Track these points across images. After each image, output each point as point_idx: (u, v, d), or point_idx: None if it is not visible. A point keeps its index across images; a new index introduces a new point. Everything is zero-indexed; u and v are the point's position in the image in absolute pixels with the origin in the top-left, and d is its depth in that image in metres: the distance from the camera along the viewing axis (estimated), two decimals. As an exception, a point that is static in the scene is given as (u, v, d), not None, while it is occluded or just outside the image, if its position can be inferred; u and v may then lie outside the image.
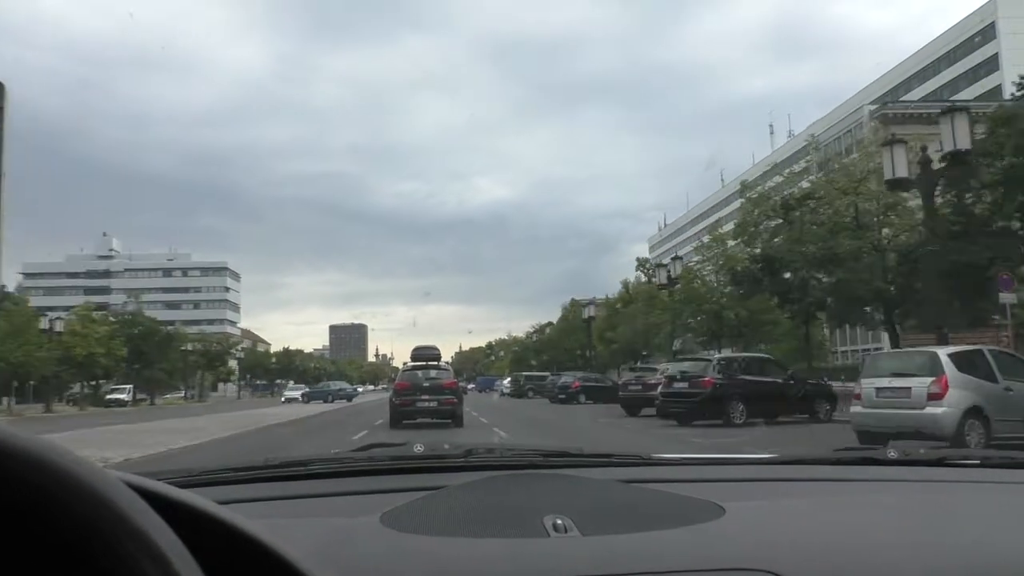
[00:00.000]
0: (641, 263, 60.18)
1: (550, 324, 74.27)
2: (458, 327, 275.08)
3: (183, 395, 70.20)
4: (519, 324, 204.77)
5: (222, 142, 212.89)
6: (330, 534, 0.96)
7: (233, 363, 72.15)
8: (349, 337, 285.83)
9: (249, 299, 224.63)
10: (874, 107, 55.05)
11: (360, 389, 63.31)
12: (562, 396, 33.09)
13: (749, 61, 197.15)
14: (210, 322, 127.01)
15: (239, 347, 72.16)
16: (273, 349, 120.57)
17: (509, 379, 58.22)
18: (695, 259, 41.83)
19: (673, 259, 34.67)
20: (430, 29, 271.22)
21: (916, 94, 72.86)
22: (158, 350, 54.66)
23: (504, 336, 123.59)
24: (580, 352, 54.16)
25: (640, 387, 23.02)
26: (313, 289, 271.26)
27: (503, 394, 53.15)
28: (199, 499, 0.52)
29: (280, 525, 0.90)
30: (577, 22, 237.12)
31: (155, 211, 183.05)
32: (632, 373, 27.43)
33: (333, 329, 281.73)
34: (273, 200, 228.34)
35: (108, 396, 52.40)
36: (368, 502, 1.12)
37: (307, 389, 53.34)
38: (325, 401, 47.73)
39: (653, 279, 51.48)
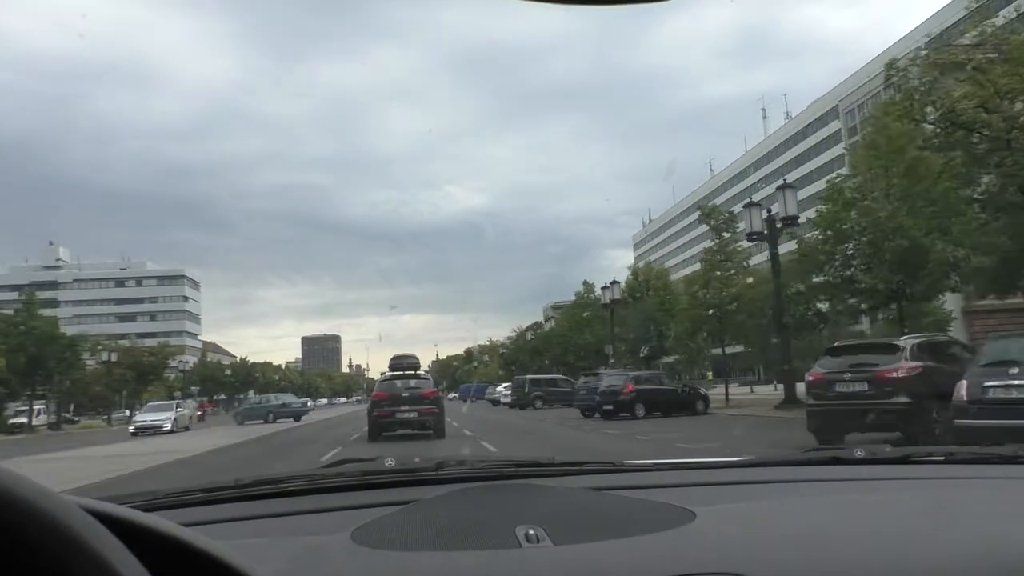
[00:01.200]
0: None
1: (538, 325, 66.50)
2: (433, 337, 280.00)
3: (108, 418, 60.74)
4: (494, 332, 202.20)
5: (190, 156, 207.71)
6: (301, 552, 0.94)
7: (174, 376, 62.25)
8: (322, 348, 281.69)
9: (222, 314, 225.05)
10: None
11: (311, 404, 49.47)
12: (608, 407, 23.07)
13: (716, 66, 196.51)
14: (167, 334, 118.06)
15: (179, 358, 62.25)
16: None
17: (504, 386, 48.59)
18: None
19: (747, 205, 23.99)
20: (398, 39, 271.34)
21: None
22: (60, 361, 44.20)
23: (484, 342, 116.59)
24: (597, 349, 46.08)
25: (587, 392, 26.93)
26: (287, 302, 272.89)
27: (497, 404, 44.54)
28: (163, 522, 0.51)
29: (249, 545, 0.90)
30: (545, 30, 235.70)
31: (120, 227, 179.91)
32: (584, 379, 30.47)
33: (306, 341, 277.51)
34: (244, 213, 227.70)
35: (11, 420, 43.07)
36: (339, 519, 1.11)
37: (176, 409, 33.84)
38: (266, 421, 35.79)
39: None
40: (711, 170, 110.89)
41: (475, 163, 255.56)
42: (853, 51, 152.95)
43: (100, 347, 51.83)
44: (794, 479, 1.42)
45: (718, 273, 29.70)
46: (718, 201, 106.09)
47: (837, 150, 66.94)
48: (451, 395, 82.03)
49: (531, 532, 0.96)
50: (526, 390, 37.90)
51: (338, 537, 0.98)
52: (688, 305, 31.04)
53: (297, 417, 37.32)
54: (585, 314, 51.56)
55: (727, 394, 29.81)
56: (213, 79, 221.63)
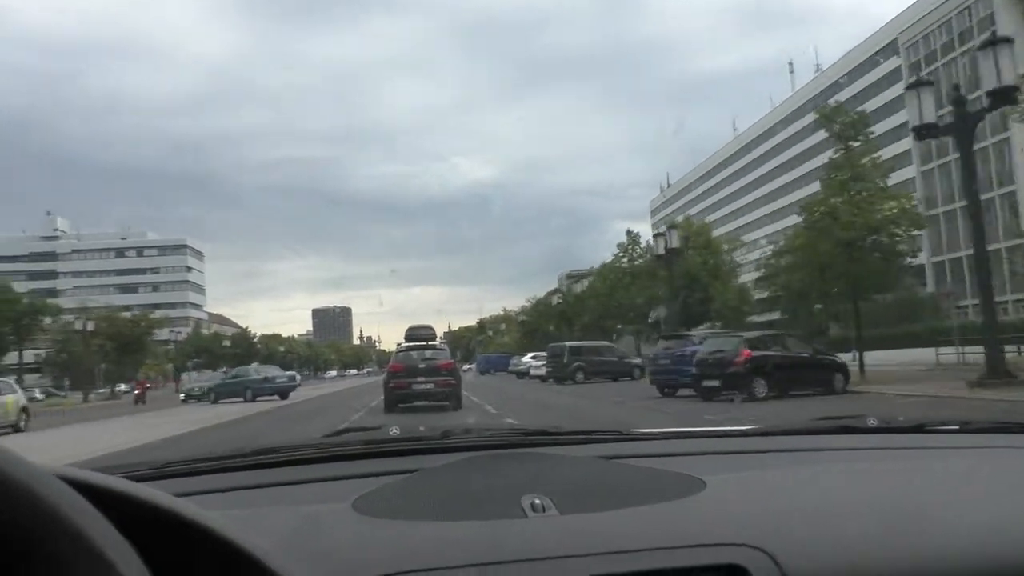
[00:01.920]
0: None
1: (558, 292, 61.35)
2: (443, 309, 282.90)
3: (108, 391, 55.46)
4: (503, 304, 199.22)
5: (197, 130, 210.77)
6: (300, 522, 0.93)
7: (164, 349, 57.54)
8: (333, 321, 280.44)
9: (232, 287, 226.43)
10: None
11: (299, 378, 40.41)
12: (711, 382, 16.40)
13: (724, 35, 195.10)
14: (171, 306, 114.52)
15: (173, 329, 57.11)
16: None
17: (532, 355, 41.74)
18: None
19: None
20: (403, 9, 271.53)
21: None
22: (18, 328, 38.67)
23: (498, 312, 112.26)
24: (643, 312, 40.70)
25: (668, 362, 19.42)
26: (297, 275, 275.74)
27: (524, 377, 39.27)
28: (153, 492, 0.50)
29: (247, 515, 0.89)
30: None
31: (128, 202, 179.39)
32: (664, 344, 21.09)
33: (316, 313, 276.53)
34: (252, 187, 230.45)
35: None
36: (340, 488, 1.09)
37: None
38: (246, 400, 28.65)
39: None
40: (735, 129, 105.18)
41: (482, 135, 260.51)
42: (862, 18, 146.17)
43: (74, 315, 46.36)
44: (805, 448, 1.42)
45: (848, 196, 21.34)
46: (747, 160, 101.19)
47: (896, 90, 61.43)
48: (466, 367, 77.84)
49: (537, 502, 0.94)
50: (564, 360, 30.43)
51: (339, 506, 0.96)
52: (804, 243, 22.67)
53: (283, 394, 29.63)
54: (631, 261, 45.42)
55: (861, 364, 21.60)
56: (218, 52, 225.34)
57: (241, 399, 28.87)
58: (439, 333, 25.25)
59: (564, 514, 0.92)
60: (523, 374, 40.89)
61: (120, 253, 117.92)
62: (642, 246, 47.48)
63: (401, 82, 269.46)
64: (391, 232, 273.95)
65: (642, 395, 18.99)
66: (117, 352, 48.50)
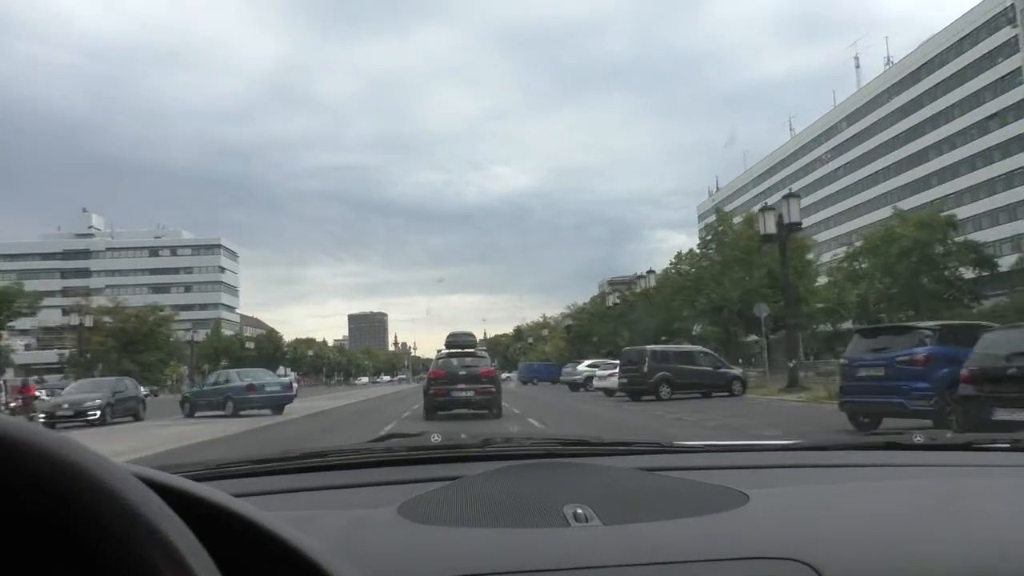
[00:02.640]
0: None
1: (616, 291, 55.53)
2: (479, 316, 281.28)
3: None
4: (540, 312, 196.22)
5: (240, 136, 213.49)
6: (348, 525, 0.95)
7: (187, 349, 53.13)
8: (369, 326, 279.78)
9: (272, 292, 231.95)
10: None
11: (296, 383, 31.24)
12: (994, 403, 8.67)
13: (767, 43, 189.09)
14: (203, 307, 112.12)
15: (170, 323, 52.11)
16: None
17: (589, 363, 35.68)
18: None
19: None
20: (444, 18, 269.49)
21: None
22: None
23: (537, 319, 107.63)
24: (741, 308, 35.51)
25: None
26: (335, 281, 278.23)
27: (578, 389, 33.66)
28: (214, 492, 0.52)
29: (297, 517, 0.90)
30: (593, 6, 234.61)
31: (171, 206, 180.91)
32: None
33: (352, 319, 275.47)
34: (293, 193, 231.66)
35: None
36: (385, 493, 1.12)
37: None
38: (226, 413, 21.57)
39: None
40: (791, 129, 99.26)
41: (521, 144, 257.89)
42: (914, 27, 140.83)
43: (67, 308, 42.10)
44: (850, 463, 1.39)
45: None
46: (806, 160, 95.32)
47: (1010, 64, 55.54)
48: (505, 375, 73.14)
49: (579, 511, 0.94)
50: (645, 368, 23.35)
51: (385, 511, 0.98)
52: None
53: (278, 407, 22.13)
54: (720, 247, 39.82)
55: None
56: (262, 60, 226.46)
57: (222, 412, 21.71)
58: (472, 333, 23.18)
59: (606, 524, 0.92)
60: (578, 385, 34.62)
61: (154, 252, 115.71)
62: (735, 228, 41.67)
63: (442, 90, 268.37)
64: (429, 240, 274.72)
65: (802, 424, 13.15)
66: (121, 351, 44.36)
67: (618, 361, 27.34)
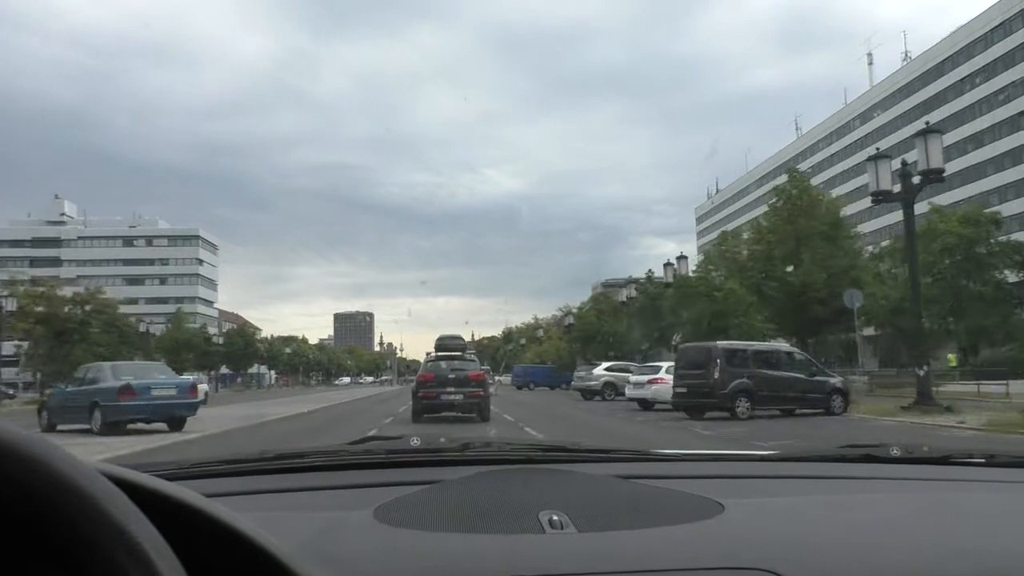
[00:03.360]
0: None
1: (633, 283, 49.67)
2: (465, 319, 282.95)
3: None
4: (527, 316, 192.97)
5: (230, 133, 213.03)
6: (322, 528, 0.94)
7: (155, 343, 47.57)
8: (355, 326, 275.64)
9: (259, 291, 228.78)
10: None
11: (205, 389, 27.12)
12: None
13: (759, 52, 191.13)
14: (179, 300, 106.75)
15: (115, 309, 45.98)
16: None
17: (607, 366, 29.36)
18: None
19: None
20: (438, 20, 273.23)
21: None
22: None
23: (525, 321, 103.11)
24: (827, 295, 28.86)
25: None
26: (323, 280, 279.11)
27: (592, 398, 27.82)
28: (186, 492, 0.51)
29: (271, 518, 0.90)
30: (586, 13, 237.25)
31: (160, 202, 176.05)
32: None
33: (338, 317, 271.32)
34: (283, 191, 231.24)
35: None
36: (362, 496, 1.11)
37: None
38: (93, 429, 14.87)
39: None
40: (798, 129, 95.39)
41: (513, 147, 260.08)
42: (910, 39, 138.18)
43: None
44: (826, 475, 1.40)
45: None
46: (814, 160, 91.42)
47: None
48: (498, 378, 68.60)
49: (555, 518, 0.94)
50: (716, 375, 16.89)
51: (361, 514, 0.97)
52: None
53: (175, 422, 15.74)
54: (791, 218, 31.84)
55: None
56: (254, 57, 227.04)
57: (87, 425, 15.17)
58: (462, 336, 22.29)
59: (582, 532, 0.92)
60: (594, 392, 27.98)
61: (128, 242, 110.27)
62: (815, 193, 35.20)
63: (433, 92, 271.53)
64: (418, 241, 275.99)
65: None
66: (51, 340, 38.98)
67: (662, 364, 21.70)
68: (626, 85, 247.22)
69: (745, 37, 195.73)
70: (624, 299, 38.85)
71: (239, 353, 63.39)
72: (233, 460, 1.38)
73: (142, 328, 45.67)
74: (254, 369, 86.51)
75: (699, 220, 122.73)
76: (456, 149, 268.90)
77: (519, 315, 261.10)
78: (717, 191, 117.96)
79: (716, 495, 1.06)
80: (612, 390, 26.31)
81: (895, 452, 1.49)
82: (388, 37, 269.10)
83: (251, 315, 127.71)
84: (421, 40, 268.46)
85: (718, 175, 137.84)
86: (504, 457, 1.39)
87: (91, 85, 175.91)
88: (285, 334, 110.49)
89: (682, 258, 33.07)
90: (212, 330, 72.44)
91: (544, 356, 63.58)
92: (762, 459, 1.52)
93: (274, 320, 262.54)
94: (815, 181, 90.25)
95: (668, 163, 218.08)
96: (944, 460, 1.50)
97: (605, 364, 29.98)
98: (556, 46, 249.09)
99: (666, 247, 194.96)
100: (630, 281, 43.32)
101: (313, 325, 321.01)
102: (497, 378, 68.00)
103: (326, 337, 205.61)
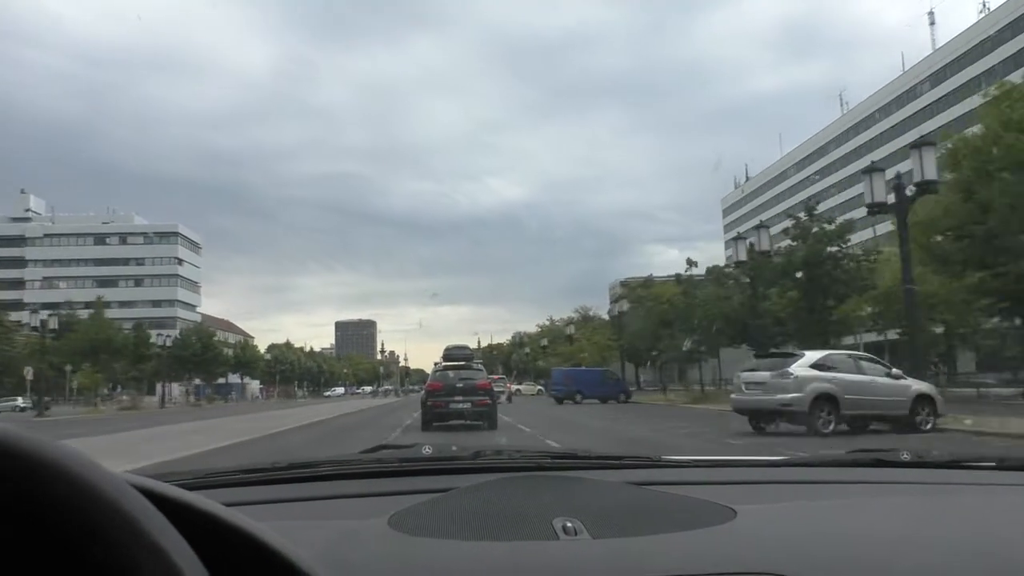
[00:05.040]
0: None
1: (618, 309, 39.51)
2: (470, 328, 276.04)
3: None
4: (530, 325, 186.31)
5: (232, 143, 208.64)
6: (338, 536, 0.95)
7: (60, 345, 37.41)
8: (357, 334, 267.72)
9: (262, 301, 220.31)
10: None
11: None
12: None
13: (760, 59, 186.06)
14: (156, 303, 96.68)
15: (54, 316, 35.42)
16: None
17: (820, 358, 14.03)
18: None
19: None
20: (439, 29, 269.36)
21: None
22: None
23: (537, 326, 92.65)
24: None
25: None
26: (326, 290, 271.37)
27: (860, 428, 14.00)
28: (205, 501, 0.51)
29: (287, 527, 0.90)
30: (587, 21, 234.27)
31: (162, 212, 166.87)
32: None
33: (339, 326, 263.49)
34: (284, 201, 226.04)
35: None
36: (376, 504, 1.12)
37: None
38: None
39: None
40: (843, 105, 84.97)
41: (515, 155, 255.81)
42: (910, 45, 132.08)
43: None
44: (837, 480, 1.40)
45: None
46: (862, 140, 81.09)
47: None
48: (514, 387, 56.96)
49: (568, 524, 0.95)
50: None
51: (375, 522, 0.98)
52: None
53: None
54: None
55: None
56: (255, 67, 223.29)
57: None
58: (469, 347, 21.94)
59: (595, 538, 0.92)
60: (777, 417, 13.84)
61: (100, 239, 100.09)
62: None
63: (435, 101, 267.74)
64: (420, 250, 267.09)
65: None
66: None
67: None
68: (627, 92, 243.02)
69: (750, 43, 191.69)
70: (728, 267, 26.24)
71: (195, 359, 52.25)
72: (248, 469, 1.38)
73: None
74: (234, 379, 76.37)
75: (726, 212, 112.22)
76: (457, 157, 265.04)
77: (523, 324, 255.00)
78: (747, 178, 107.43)
79: (728, 501, 1.06)
80: (829, 410, 13.80)
81: (906, 456, 1.49)
82: (390, 47, 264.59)
83: (253, 326, 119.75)
84: (423, 50, 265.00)
85: (723, 178, 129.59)
86: (516, 465, 1.40)
87: (88, 96, 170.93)
88: (289, 344, 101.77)
89: (618, 300, 21.70)
90: (215, 338, 62.01)
91: (584, 357, 50.19)
92: (773, 464, 1.52)
93: (277, 330, 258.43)
94: (861, 164, 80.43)
95: (670, 170, 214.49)
96: (955, 464, 1.49)
97: (813, 354, 14.75)
98: (557, 54, 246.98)
99: (669, 254, 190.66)
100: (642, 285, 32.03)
101: (317, 335, 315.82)
102: (517, 387, 57.28)
103: (328, 346, 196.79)
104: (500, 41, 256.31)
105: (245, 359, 66.98)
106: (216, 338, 65.23)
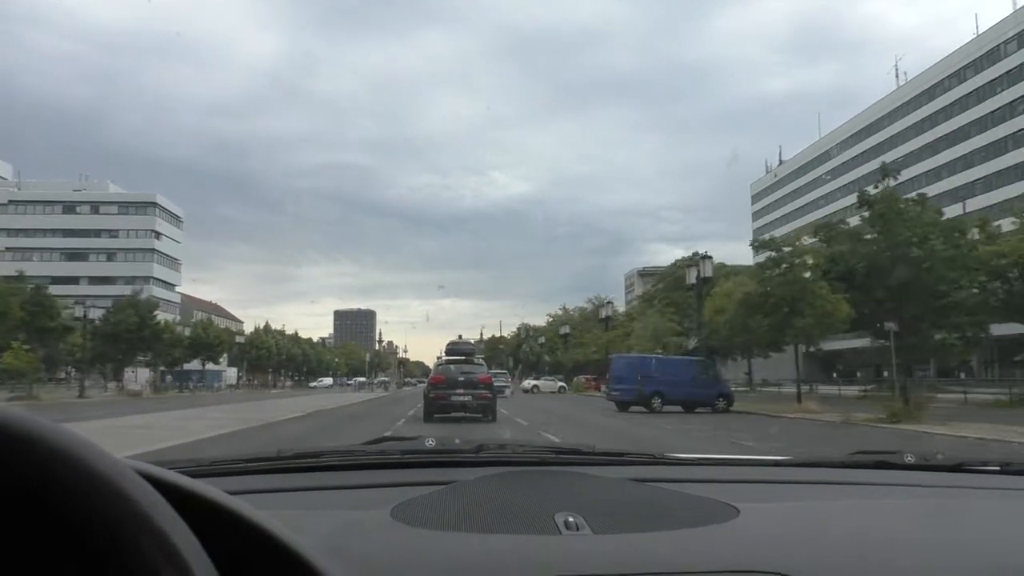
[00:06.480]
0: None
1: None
2: (473, 322, 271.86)
3: None
4: (534, 320, 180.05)
5: (238, 132, 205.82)
6: (341, 526, 0.96)
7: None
8: (356, 324, 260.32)
9: (265, 290, 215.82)
10: None
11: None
12: None
13: (769, 60, 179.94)
14: (129, 280, 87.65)
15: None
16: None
17: None
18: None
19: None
20: (447, 23, 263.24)
21: None
22: None
23: (555, 313, 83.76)
24: None
25: None
26: (329, 281, 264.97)
27: None
28: (210, 489, 0.52)
29: (290, 516, 0.91)
30: (595, 18, 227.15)
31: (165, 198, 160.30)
32: None
33: (338, 315, 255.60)
34: (289, 191, 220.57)
35: None
36: (379, 495, 1.13)
37: None
38: None
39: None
40: (899, 76, 75.61)
41: (520, 151, 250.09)
42: (918, 49, 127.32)
43: None
44: (840, 481, 1.40)
45: None
46: (919, 116, 72.00)
47: None
48: (530, 382, 48.54)
49: (571, 519, 0.95)
50: None
51: (378, 513, 0.98)
52: None
53: None
54: None
55: None
56: (263, 57, 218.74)
57: None
58: (471, 342, 23.78)
59: (597, 533, 0.93)
60: None
61: (69, 208, 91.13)
62: None
63: (442, 94, 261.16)
64: (423, 243, 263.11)
65: None
66: None
67: None
68: (634, 91, 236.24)
69: (753, 45, 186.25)
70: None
71: (128, 336, 42.99)
72: (251, 459, 1.38)
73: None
74: (217, 368, 67.55)
75: (755, 198, 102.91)
76: (463, 152, 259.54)
77: (527, 318, 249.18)
78: (780, 162, 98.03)
79: (731, 499, 1.06)
80: None
81: (909, 459, 1.49)
82: (397, 39, 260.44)
83: (256, 314, 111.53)
84: (430, 42, 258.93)
85: (730, 178, 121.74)
86: (518, 459, 1.40)
87: (97, 81, 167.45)
88: (298, 333, 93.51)
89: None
90: (197, 318, 52.84)
91: (631, 341, 40.50)
92: (776, 464, 1.51)
93: (279, 319, 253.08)
94: (916, 145, 71.25)
95: (675, 169, 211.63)
96: (958, 467, 1.49)
97: None
98: (565, 51, 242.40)
99: (673, 253, 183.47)
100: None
101: (319, 325, 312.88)
102: (534, 383, 48.10)
103: (327, 336, 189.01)
104: (509, 36, 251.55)
105: (207, 341, 57.69)
106: (181, 319, 56.05)
